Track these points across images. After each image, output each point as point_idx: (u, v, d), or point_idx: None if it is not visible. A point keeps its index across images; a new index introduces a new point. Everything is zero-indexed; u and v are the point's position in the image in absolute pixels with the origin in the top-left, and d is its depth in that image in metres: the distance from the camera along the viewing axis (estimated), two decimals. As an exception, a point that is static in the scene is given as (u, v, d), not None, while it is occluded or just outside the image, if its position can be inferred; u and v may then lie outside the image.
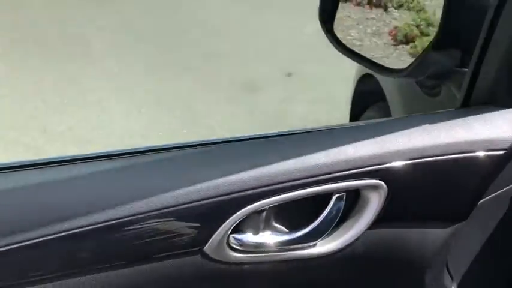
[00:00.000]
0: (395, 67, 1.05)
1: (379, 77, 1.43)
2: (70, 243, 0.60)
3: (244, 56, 3.36)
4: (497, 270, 0.89)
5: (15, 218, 0.60)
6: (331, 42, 1.03)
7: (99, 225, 0.60)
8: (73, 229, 0.59)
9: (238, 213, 0.65)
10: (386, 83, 1.38)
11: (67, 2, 4.05)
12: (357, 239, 0.70)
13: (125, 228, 0.62)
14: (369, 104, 1.58)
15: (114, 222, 0.61)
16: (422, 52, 0.92)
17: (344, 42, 1.03)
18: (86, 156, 0.70)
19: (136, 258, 0.64)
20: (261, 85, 3.02)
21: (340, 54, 1.07)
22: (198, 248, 0.65)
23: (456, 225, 0.75)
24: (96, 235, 0.61)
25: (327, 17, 1.04)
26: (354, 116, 1.70)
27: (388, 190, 0.69)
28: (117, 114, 2.77)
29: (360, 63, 1.10)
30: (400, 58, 1.06)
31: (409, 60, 0.99)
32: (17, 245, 0.58)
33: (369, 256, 0.73)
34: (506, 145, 0.71)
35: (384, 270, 0.77)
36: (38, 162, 0.68)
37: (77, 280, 0.62)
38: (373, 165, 0.68)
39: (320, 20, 1.04)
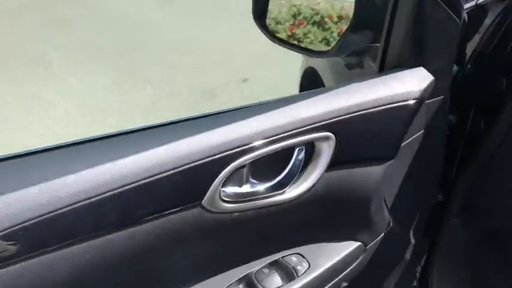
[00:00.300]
0: (322, 49, 1.24)
1: (317, 67, 1.60)
2: (95, 209, 0.67)
3: (202, 66, 3.51)
4: (418, 199, 1.06)
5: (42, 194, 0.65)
6: (266, 35, 1.14)
7: (120, 189, 0.67)
8: (96, 195, 0.67)
9: (226, 170, 0.74)
10: (323, 72, 1.56)
11: (24, 25, 4.13)
12: (316, 183, 0.83)
13: (140, 191, 0.69)
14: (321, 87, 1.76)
15: (131, 186, 0.68)
16: (342, 35, 1.10)
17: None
18: (91, 138, 0.76)
19: (149, 215, 0.72)
20: (219, 91, 3.19)
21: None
22: (198, 202, 0.75)
23: (387, 163, 0.91)
24: (116, 200, 0.68)
25: (260, 14, 1.14)
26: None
27: (336, 139, 0.82)
28: (82, 126, 2.87)
29: (294, 50, 1.25)
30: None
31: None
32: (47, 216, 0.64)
33: (326, 195, 0.87)
34: (416, 96, 0.87)
35: (338, 205, 0.91)
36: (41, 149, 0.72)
37: (100, 240, 0.70)
38: (323, 121, 0.80)
39: (254, 18, 1.14)
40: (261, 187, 0.80)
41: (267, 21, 1.19)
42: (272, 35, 1.16)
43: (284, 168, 0.81)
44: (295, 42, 1.26)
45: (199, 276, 0.86)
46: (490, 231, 1.29)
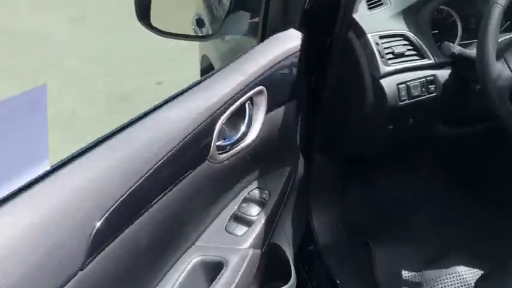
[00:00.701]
0: (206, 34, 1.48)
1: (206, 52, 1.88)
2: (156, 176, 0.80)
3: (117, 75, 3.68)
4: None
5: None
6: (153, 32, 1.28)
7: (166, 156, 0.81)
8: (156, 163, 0.80)
9: (217, 127, 0.92)
10: (212, 55, 1.84)
11: None
12: (261, 126, 1.05)
13: (177, 155, 0.84)
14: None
15: (172, 152, 0.83)
16: (224, 20, 1.27)
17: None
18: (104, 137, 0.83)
19: (183, 175, 0.88)
20: (135, 95, 3.39)
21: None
22: (206, 158, 0.92)
23: (291, 102, 1.16)
24: (166, 165, 0.82)
25: (144, 14, 1.24)
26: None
27: (266, 91, 1.04)
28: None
29: (181, 39, 1.46)
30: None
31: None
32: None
33: (268, 135, 1.09)
34: (296, 49, 1.10)
35: (276, 140, 1.14)
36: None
37: (160, 203, 0.83)
38: (256, 78, 1.01)
39: (138, 18, 1.24)
40: (234, 137, 1.01)
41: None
42: (158, 31, 1.30)
43: (243, 122, 1.04)
44: (180, 32, 1.50)
45: (208, 218, 1.05)
46: (352, 159, 1.62)
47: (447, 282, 1.57)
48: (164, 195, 0.84)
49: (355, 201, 1.73)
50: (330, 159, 1.51)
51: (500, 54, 1.19)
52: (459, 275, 1.58)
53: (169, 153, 0.83)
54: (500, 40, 1.26)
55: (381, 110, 1.29)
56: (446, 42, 1.32)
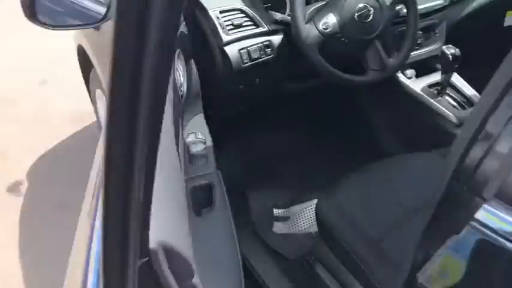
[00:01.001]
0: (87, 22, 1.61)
1: (81, 42, 2.02)
2: None
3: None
4: None
5: None
6: (43, 27, 1.29)
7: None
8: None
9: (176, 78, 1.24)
10: (86, 44, 1.99)
11: None
12: (185, 78, 1.36)
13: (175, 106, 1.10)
14: (90, 63, 2.15)
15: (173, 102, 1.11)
16: (109, 5, 1.49)
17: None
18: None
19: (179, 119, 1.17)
20: (19, 96, 3.40)
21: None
22: (180, 101, 1.22)
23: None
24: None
25: (30, 11, 1.24)
26: (86, 78, 2.30)
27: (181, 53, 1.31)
28: None
29: (73, 29, 1.62)
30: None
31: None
32: None
33: (192, 87, 1.40)
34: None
35: (193, 88, 1.44)
36: None
37: None
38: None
39: (26, 16, 1.24)
40: (182, 89, 1.32)
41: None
42: (48, 25, 1.28)
43: (181, 76, 1.31)
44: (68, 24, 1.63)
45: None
46: (225, 118, 1.87)
47: (308, 212, 1.89)
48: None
49: (232, 157, 2.00)
50: (207, 119, 1.77)
51: (310, 18, 1.50)
52: None
53: (173, 100, 1.06)
54: (314, 7, 1.57)
55: (229, 73, 1.56)
56: (270, 11, 1.61)
